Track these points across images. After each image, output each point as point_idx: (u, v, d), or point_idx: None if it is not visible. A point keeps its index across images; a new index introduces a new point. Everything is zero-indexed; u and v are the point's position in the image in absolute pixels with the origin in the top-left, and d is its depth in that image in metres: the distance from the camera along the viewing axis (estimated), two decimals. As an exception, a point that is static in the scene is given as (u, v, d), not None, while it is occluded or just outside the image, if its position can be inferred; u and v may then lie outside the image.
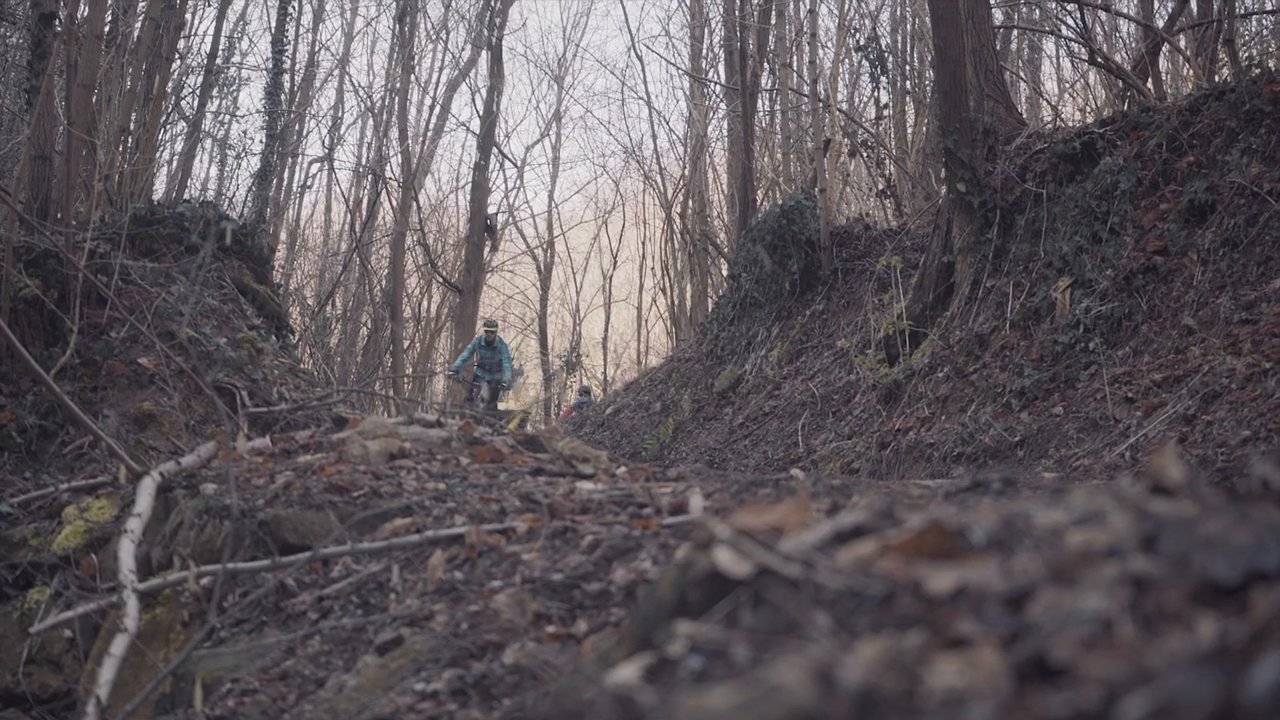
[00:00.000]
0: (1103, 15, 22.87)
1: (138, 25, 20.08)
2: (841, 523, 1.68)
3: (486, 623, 3.56)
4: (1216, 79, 15.50)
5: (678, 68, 41.85)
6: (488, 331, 27.20)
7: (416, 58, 37.65)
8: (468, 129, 40.07)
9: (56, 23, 12.56)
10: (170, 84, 22.85)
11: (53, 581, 7.44)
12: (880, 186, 26.49)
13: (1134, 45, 22.77)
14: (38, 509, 8.63)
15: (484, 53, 36.93)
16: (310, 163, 38.97)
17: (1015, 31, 25.89)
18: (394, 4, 37.09)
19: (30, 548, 8.13)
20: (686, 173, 37.89)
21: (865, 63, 28.36)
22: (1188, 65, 20.01)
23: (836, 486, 4.49)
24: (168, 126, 26.71)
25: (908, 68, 30.52)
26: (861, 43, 27.82)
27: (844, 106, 28.62)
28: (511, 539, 4.41)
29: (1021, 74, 27.53)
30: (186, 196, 24.35)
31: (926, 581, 1.39)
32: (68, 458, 10.69)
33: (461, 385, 28.97)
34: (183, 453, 9.00)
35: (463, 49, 40.64)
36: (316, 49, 36.81)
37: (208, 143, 32.90)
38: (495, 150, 38.47)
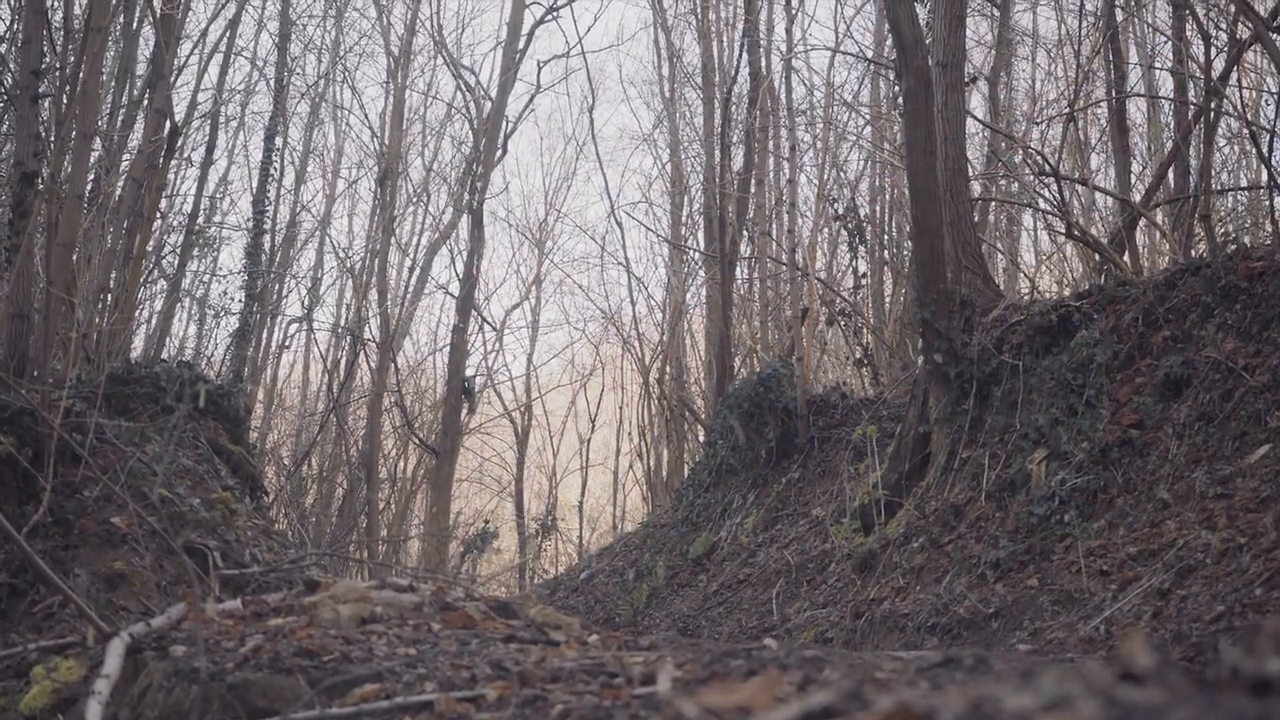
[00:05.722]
0: (1080, 189, 23.19)
1: (120, 185, 20.19)
2: (810, 703, 1.67)
3: (454, 794, 3.51)
4: (1193, 254, 15.69)
5: (657, 234, 42.08)
6: None
7: (397, 220, 37.90)
8: (447, 291, 40.18)
9: (39, 182, 12.64)
10: (151, 243, 22.93)
11: (18, 743, 7.35)
12: (857, 355, 26.65)
13: (1111, 219, 23.07)
14: (6, 668, 8.52)
15: (465, 216, 37.10)
16: (289, 323, 38.99)
17: (993, 204, 26.16)
18: (376, 167, 37.43)
19: (-4, 708, 8.03)
20: (665, 339, 38.01)
21: (844, 232, 28.57)
22: (1164, 240, 20.25)
23: (809, 658, 4.45)
24: (148, 285, 26.75)
25: (886, 237, 30.77)
26: (840, 212, 28.13)
27: (822, 275, 28.85)
28: (481, 707, 4.37)
29: (999, 246, 27.82)
30: (165, 355, 24.39)
31: (894, 766, 1.38)
32: (37, 617, 10.57)
33: None
34: (153, 613, 8.92)
35: (443, 212, 40.90)
36: (297, 210, 36.94)
37: (187, 302, 32.91)
38: (475, 313, 38.60)
